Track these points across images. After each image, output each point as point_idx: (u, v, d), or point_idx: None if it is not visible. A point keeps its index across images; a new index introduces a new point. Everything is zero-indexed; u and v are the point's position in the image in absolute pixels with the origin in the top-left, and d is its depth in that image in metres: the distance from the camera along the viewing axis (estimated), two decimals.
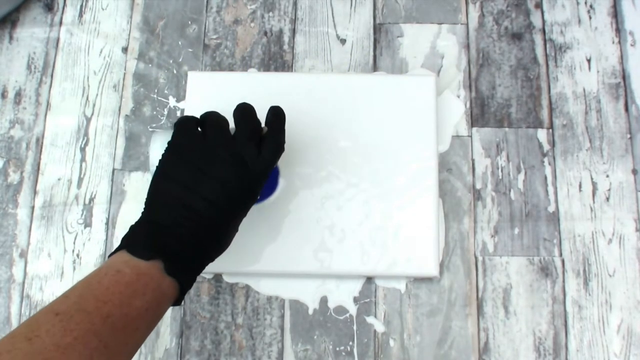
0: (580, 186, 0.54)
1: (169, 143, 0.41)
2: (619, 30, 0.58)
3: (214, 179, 0.39)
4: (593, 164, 0.55)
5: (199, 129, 0.42)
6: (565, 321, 0.51)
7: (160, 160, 0.40)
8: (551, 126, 0.56)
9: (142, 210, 0.40)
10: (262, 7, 0.60)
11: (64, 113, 0.57)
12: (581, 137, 0.55)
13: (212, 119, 0.41)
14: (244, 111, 0.42)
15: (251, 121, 0.42)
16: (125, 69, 0.58)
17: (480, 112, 0.56)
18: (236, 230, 0.43)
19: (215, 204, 0.39)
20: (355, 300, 0.52)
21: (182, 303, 0.52)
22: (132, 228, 0.39)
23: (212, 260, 0.41)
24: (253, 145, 0.41)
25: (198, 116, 0.42)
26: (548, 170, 0.55)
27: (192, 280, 0.39)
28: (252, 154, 0.40)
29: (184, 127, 0.41)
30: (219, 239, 0.40)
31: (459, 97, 0.57)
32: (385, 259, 0.51)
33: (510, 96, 0.57)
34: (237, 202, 0.40)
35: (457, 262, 0.53)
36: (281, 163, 0.53)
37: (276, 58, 0.58)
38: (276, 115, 0.43)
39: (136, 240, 0.38)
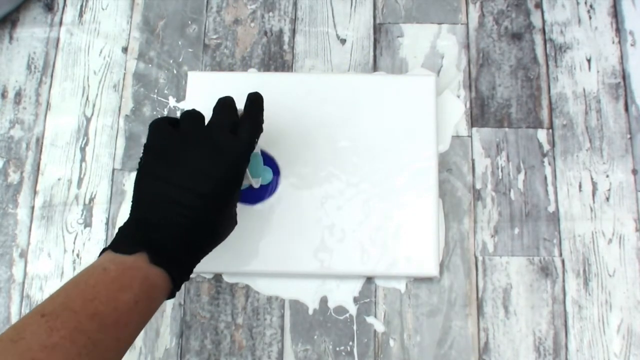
0: (580, 186, 0.54)
1: (144, 146, 0.41)
2: (619, 30, 0.58)
3: (190, 168, 0.39)
4: (593, 164, 0.55)
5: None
6: (565, 321, 0.51)
7: (138, 164, 0.40)
8: (551, 126, 0.56)
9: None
10: (262, 7, 0.60)
11: (64, 113, 0.57)
12: (581, 137, 0.55)
13: (186, 113, 0.42)
14: (220, 102, 0.42)
15: (225, 108, 0.42)
16: (125, 69, 0.58)
17: (480, 112, 0.56)
18: (233, 220, 0.43)
19: (193, 191, 0.38)
20: (355, 300, 0.52)
21: (183, 302, 0.52)
22: (119, 230, 0.39)
23: (205, 250, 0.41)
24: (227, 130, 0.41)
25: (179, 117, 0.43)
26: (548, 170, 0.55)
27: (184, 271, 0.39)
28: (226, 138, 0.40)
29: (157, 127, 0.41)
30: (207, 226, 0.40)
31: (459, 97, 0.57)
32: (385, 259, 0.51)
33: (510, 96, 0.57)
34: (219, 188, 0.40)
35: (457, 262, 0.53)
36: (281, 163, 0.53)
37: (276, 58, 0.58)
38: (252, 99, 0.43)
39: (120, 239, 0.38)
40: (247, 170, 0.43)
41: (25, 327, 0.31)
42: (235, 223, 0.44)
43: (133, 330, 0.35)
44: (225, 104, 0.42)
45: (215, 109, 0.42)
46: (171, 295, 0.38)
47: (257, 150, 0.49)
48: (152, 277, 0.36)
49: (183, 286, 0.52)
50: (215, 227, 0.41)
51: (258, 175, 0.49)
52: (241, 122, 0.42)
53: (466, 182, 0.55)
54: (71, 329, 0.32)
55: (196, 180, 0.39)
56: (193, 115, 0.41)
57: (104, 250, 0.38)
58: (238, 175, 0.41)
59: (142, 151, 0.41)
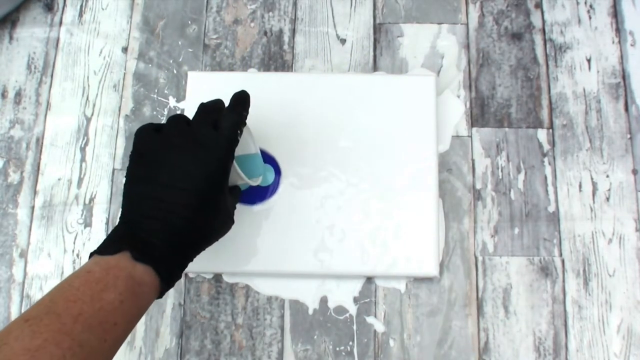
0: (580, 186, 0.54)
1: (130, 152, 0.41)
2: (619, 30, 0.58)
3: (173, 167, 0.39)
4: (593, 164, 0.55)
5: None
6: (565, 321, 0.51)
7: (125, 173, 0.41)
8: (551, 126, 0.56)
9: None
10: (262, 7, 0.60)
11: (64, 113, 0.57)
12: (581, 137, 0.55)
13: (170, 117, 0.42)
14: (202, 103, 0.43)
15: (207, 108, 0.42)
16: (125, 69, 0.58)
17: (480, 112, 0.56)
18: (228, 218, 0.42)
19: (176, 187, 0.38)
20: (355, 300, 0.52)
21: (183, 302, 0.52)
22: (107, 235, 0.39)
23: (196, 247, 0.40)
24: (208, 126, 0.41)
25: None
26: (548, 170, 0.55)
27: (174, 268, 0.39)
28: (207, 133, 0.40)
29: (141, 133, 0.41)
30: (194, 222, 0.39)
31: (459, 97, 0.57)
32: (385, 259, 0.51)
33: (510, 96, 0.57)
34: (203, 182, 0.39)
35: (457, 262, 0.53)
36: (281, 163, 0.53)
37: (276, 58, 0.58)
38: (236, 96, 0.44)
39: (105, 242, 0.38)
40: (237, 167, 0.43)
41: (9, 333, 0.31)
42: (232, 222, 0.44)
43: (122, 330, 0.35)
44: (207, 105, 0.42)
45: (197, 110, 0.42)
46: (162, 293, 0.38)
47: (256, 150, 0.49)
48: (137, 274, 0.36)
49: (183, 286, 0.52)
50: (205, 223, 0.40)
51: (258, 175, 0.49)
52: (222, 116, 0.42)
53: (466, 182, 0.55)
54: (55, 332, 0.31)
55: (179, 177, 0.39)
56: (176, 118, 0.41)
57: (91, 255, 0.37)
58: (222, 168, 0.40)
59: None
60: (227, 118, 0.42)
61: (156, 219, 0.38)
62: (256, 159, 0.49)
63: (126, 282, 0.35)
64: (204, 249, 0.42)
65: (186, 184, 0.39)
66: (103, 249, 0.37)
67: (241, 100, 0.44)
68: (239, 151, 0.47)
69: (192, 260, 0.41)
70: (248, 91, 0.44)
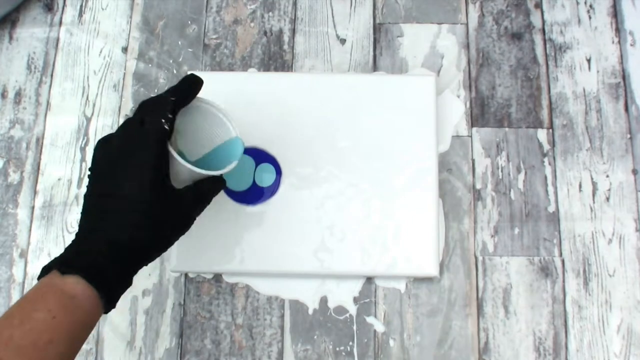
0: (580, 186, 0.54)
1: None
2: (618, 30, 0.58)
3: (113, 175, 0.38)
4: (593, 164, 0.55)
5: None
6: (565, 321, 0.51)
7: None
8: (551, 126, 0.56)
9: None
10: (262, 7, 0.60)
11: (64, 113, 0.57)
12: (581, 137, 0.55)
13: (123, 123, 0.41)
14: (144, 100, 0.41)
15: (143, 103, 0.41)
16: (125, 69, 0.58)
17: (480, 112, 0.56)
18: (180, 217, 0.40)
19: (112, 194, 0.38)
20: (355, 300, 0.52)
21: (183, 302, 0.52)
22: None
23: (139, 251, 0.38)
24: (137, 123, 0.39)
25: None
26: (548, 170, 0.55)
27: (112, 275, 0.37)
28: (134, 131, 0.39)
29: (95, 148, 0.41)
30: (128, 225, 0.37)
31: (459, 97, 0.57)
32: (385, 259, 0.51)
33: (510, 96, 0.57)
34: (137, 184, 0.38)
35: (457, 262, 0.53)
36: (281, 163, 0.53)
37: (276, 58, 0.58)
38: (181, 79, 0.43)
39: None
40: (181, 160, 0.39)
41: None
42: (189, 221, 0.41)
43: (62, 346, 0.34)
44: (144, 101, 0.41)
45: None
46: (108, 302, 0.37)
47: (236, 134, 0.45)
48: (67, 287, 0.35)
49: (183, 286, 0.52)
50: (144, 224, 0.38)
51: (233, 159, 0.44)
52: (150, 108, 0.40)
53: (466, 182, 0.55)
54: None
55: (112, 182, 0.38)
56: (123, 123, 0.41)
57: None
58: (151, 162, 0.38)
59: None
60: (151, 109, 0.40)
61: (86, 228, 0.38)
62: (234, 143, 0.45)
63: (56, 297, 0.35)
64: (158, 252, 0.40)
65: (124, 189, 0.38)
66: (42, 273, 0.37)
67: (180, 84, 0.42)
68: (216, 141, 0.45)
69: (141, 267, 0.39)
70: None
